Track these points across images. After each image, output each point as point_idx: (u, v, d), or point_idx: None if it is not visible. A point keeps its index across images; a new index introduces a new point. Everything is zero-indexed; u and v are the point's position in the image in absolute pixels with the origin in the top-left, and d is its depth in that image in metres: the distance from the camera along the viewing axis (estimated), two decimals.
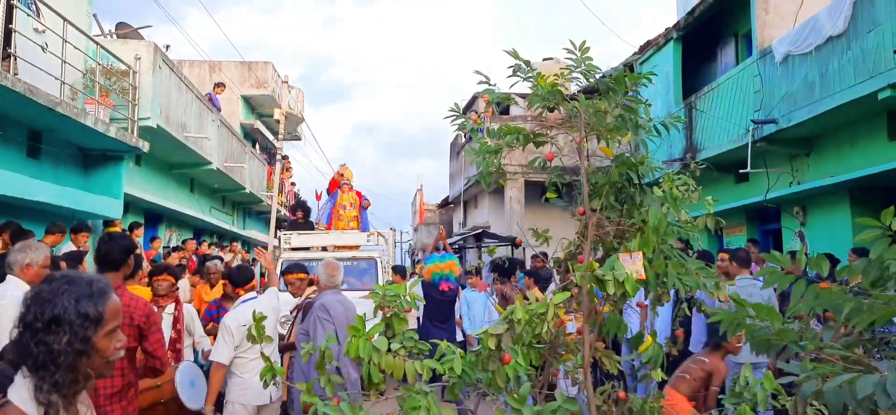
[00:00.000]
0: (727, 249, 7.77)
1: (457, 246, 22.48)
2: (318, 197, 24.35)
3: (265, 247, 10.07)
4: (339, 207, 11.34)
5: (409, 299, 4.16)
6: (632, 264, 3.86)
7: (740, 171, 10.38)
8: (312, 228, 11.76)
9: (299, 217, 11.91)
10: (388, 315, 4.08)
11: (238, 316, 4.67)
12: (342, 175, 11.99)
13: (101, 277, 1.74)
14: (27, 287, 3.92)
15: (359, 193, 11.69)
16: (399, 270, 10.23)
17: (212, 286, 7.91)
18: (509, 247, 16.85)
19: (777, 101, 9.27)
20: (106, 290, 1.72)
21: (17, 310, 3.65)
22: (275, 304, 4.96)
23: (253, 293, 5.23)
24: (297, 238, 10.02)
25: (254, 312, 3.99)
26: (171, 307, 5.36)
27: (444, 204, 31.45)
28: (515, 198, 17.89)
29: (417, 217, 35.53)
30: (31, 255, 4.02)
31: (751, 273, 6.48)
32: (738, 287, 5.70)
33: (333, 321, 4.91)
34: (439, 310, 7.30)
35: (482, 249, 19.98)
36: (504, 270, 8.78)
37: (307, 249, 9.84)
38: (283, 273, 6.20)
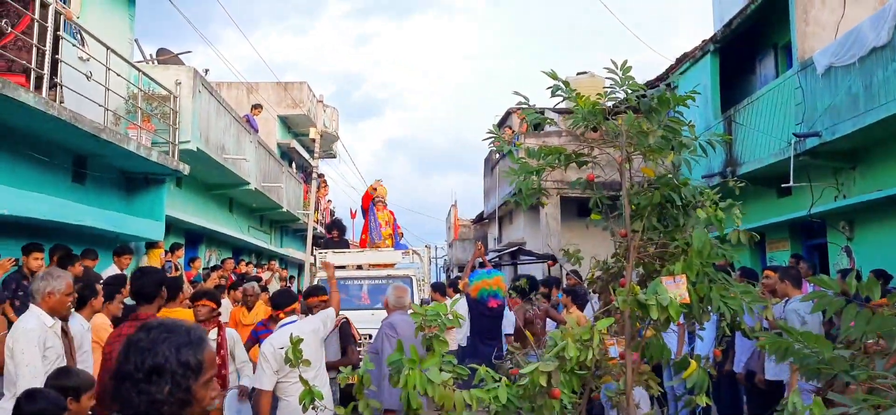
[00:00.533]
0: (774, 266, 7.62)
1: (492, 263, 22.42)
2: (354, 215, 24.52)
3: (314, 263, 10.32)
4: (377, 225, 11.37)
5: (452, 318, 4.17)
6: (675, 288, 3.80)
7: (783, 185, 10.16)
8: (347, 247, 11.82)
9: (335, 236, 11.90)
10: (429, 336, 4.08)
11: (274, 341, 4.75)
12: (375, 190, 11.94)
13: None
14: (48, 318, 3.93)
15: (392, 212, 11.68)
16: (438, 288, 10.20)
17: (249, 308, 7.91)
18: (545, 265, 16.74)
19: (820, 114, 9.07)
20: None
21: (35, 340, 3.73)
22: (316, 326, 4.99)
23: (293, 317, 5.31)
24: (331, 257, 9.98)
25: (291, 335, 4.05)
26: (213, 333, 5.22)
27: (479, 220, 31.38)
28: (551, 214, 17.76)
29: (452, 233, 35.51)
30: (52, 283, 3.99)
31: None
32: (792, 308, 5.55)
33: (401, 339, 5.07)
34: (487, 326, 7.27)
35: (518, 266, 19.89)
36: (525, 292, 8.68)
37: (342, 267, 9.79)
38: (304, 296, 6.11)
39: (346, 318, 6.10)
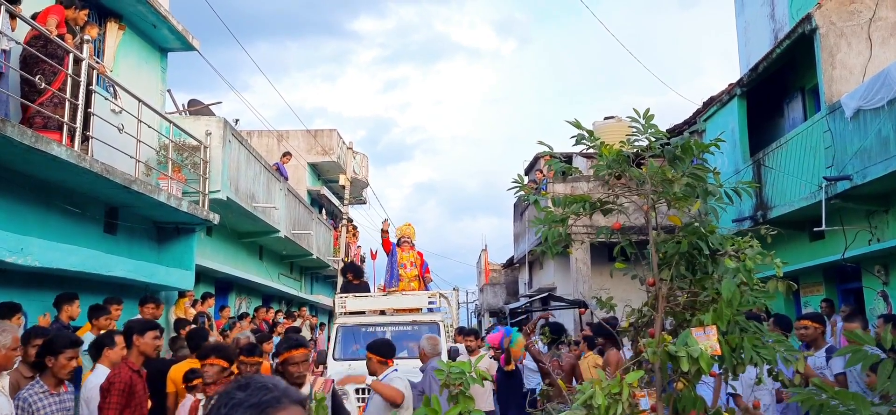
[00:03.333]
0: (810, 313, 7.46)
1: (523, 309, 22.27)
2: (375, 256, 24.41)
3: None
4: (398, 267, 10.46)
5: (476, 376, 4.14)
6: (706, 339, 3.74)
7: (815, 229, 10.00)
8: (368, 290, 11.27)
9: (350, 279, 11.26)
10: (454, 393, 4.05)
11: (399, 378, 5.42)
12: (402, 236, 10.98)
13: (290, 388, 1.59)
14: None
15: (420, 254, 10.90)
16: (465, 332, 9.89)
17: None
18: (576, 311, 16.57)
19: (850, 158, 8.95)
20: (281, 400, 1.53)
21: None
22: (410, 379, 5.79)
23: (395, 368, 5.65)
24: (352, 302, 9.44)
25: (312, 391, 4.22)
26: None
27: (509, 264, 31.26)
28: (581, 259, 17.66)
29: (483, 277, 35.38)
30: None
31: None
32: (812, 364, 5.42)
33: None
34: (519, 390, 7.15)
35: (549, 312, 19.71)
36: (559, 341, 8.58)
37: (363, 313, 9.37)
38: (275, 354, 5.36)
39: (333, 380, 5.33)
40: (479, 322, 37.03)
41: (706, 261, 4.25)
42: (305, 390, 3.98)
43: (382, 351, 5.54)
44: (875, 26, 10.24)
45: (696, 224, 4.32)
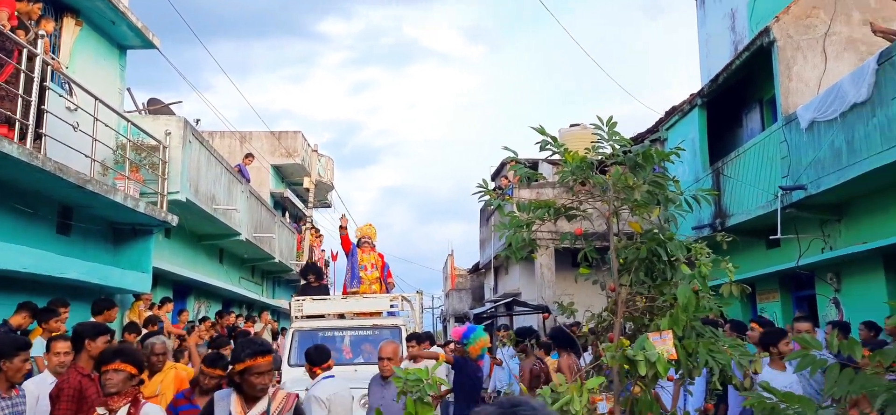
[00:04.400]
0: (760, 318, 7.62)
1: (487, 314, 22.32)
2: (335, 257, 24.13)
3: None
4: (358, 268, 9.96)
5: (432, 383, 4.12)
6: (662, 344, 3.78)
7: (771, 237, 10.23)
8: (327, 293, 10.77)
9: (311, 281, 10.67)
10: (413, 399, 4.03)
11: (325, 388, 5.09)
12: (362, 237, 10.40)
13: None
14: None
15: (381, 255, 10.41)
16: (418, 338, 9.75)
17: (152, 373, 5.44)
18: (539, 316, 16.66)
19: (805, 168, 9.18)
20: None
21: None
22: (351, 384, 5.49)
23: (331, 372, 5.40)
24: (310, 305, 8.99)
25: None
26: (123, 411, 3.71)
27: (475, 269, 31.32)
28: (546, 265, 17.78)
29: (449, 282, 35.40)
30: None
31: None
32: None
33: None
34: (477, 389, 6.82)
35: (513, 317, 19.82)
36: (527, 346, 8.54)
37: (321, 316, 8.96)
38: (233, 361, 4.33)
39: (297, 396, 5.04)
40: (445, 327, 37.01)
41: (665, 267, 4.32)
42: (262, 405, 3.36)
43: (313, 358, 5.37)
44: (830, 40, 10.53)
45: (656, 231, 4.38)
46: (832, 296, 9.91)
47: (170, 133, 10.41)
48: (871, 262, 8.94)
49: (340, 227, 10.58)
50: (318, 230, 24.58)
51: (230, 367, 3.40)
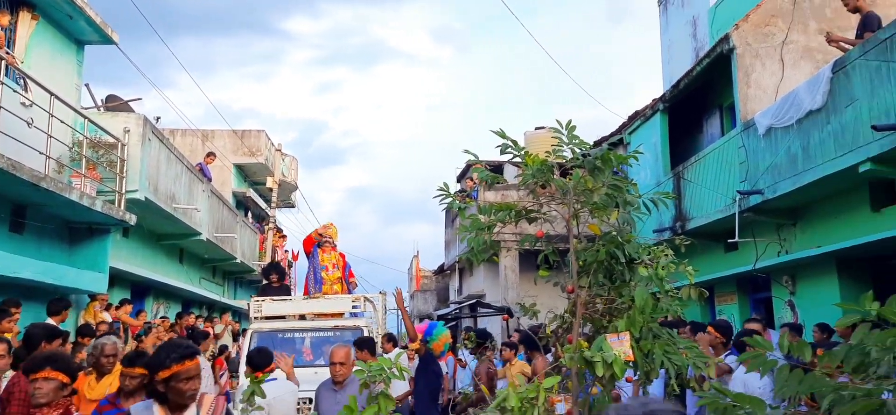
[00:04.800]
0: (718, 321, 7.74)
1: (451, 315, 22.34)
2: (296, 257, 23.90)
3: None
4: (320, 269, 9.75)
5: (397, 372, 4.11)
6: (619, 345, 3.83)
7: (729, 240, 10.42)
8: (288, 294, 10.57)
9: (273, 281, 10.40)
10: (375, 394, 4.02)
11: (270, 390, 4.85)
12: (321, 235, 10.18)
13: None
14: None
15: (343, 255, 10.19)
16: (391, 339, 9.82)
17: (101, 375, 5.30)
18: (505, 317, 16.74)
19: (762, 173, 9.38)
20: None
21: None
22: (295, 388, 5.37)
23: (273, 375, 5.29)
24: (269, 306, 8.78)
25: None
26: None
27: (440, 271, 31.34)
28: (510, 267, 17.89)
29: (414, 284, 35.37)
30: None
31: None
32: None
33: None
34: (437, 386, 6.90)
35: (477, 318, 19.86)
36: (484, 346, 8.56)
37: (282, 318, 8.78)
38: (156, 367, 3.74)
39: (226, 399, 4.75)
40: (399, 306, 36.95)
41: (623, 269, 4.38)
42: (190, 413, 3.02)
43: (254, 362, 5.29)
44: (787, 49, 10.78)
45: (614, 233, 4.44)
46: (787, 298, 10.14)
47: (128, 130, 10.22)
48: (825, 265, 9.17)
49: (319, 233, 10.13)
50: (281, 231, 24.36)
51: (153, 375, 2.97)
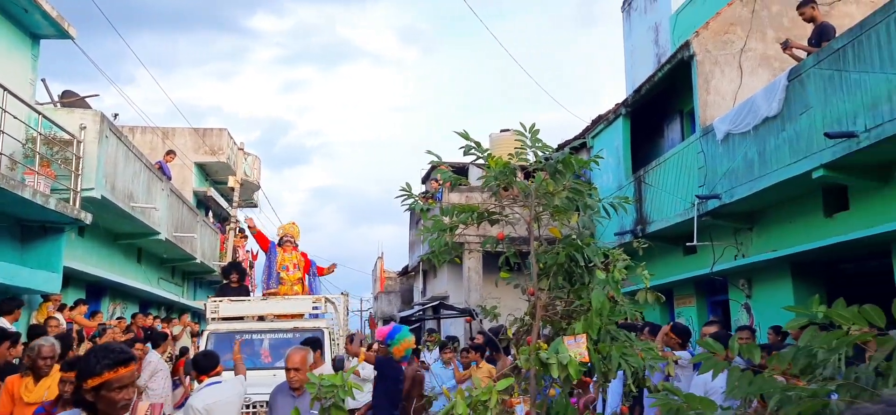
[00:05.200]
0: (677, 323, 7.86)
1: (415, 317, 22.30)
2: (255, 257, 23.59)
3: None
4: (279, 269, 9.53)
5: (348, 388, 4.07)
6: (576, 347, 3.86)
7: (687, 244, 10.60)
8: (248, 294, 10.32)
9: (234, 281, 10.07)
10: (326, 406, 3.96)
11: (205, 396, 4.74)
12: (284, 235, 9.92)
13: None
14: None
15: (304, 255, 9.97)
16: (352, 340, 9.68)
17: (38, 378, 5.13)
18: (467, 319, 16.76)
19: (719, 178, 9.56)
20: None
21: None
22: (241, 390, 5.10)
23: (218, 378, 5.16)
24: (227, 306, 8.56)
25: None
26: None
27: (405, 273, 31.27)
28: (474, 268, 17.92)
29: (378, 285, 35.23)
30: None
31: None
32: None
33: None
34: (398, 391, 6.61)
35: (440, 320, 19.86)
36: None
37: (241, 318, 8.55)
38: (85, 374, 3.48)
39: (162, 405, 4.53)
40: (372, 331, 36.81)
41: (582, 272, 4.41)
42: None
43: (200, 365, 5.19)
44: (745, 56, 11.01)
45: (574, 236, 4.47)
46: (744, 301, 10.34)
47: (85, 127, 9.98)
48: (780, 269, 9.38)
49: (249, 227, 10.43)
50: (244, 231, 24.03)
51: (81, 382, 2.67)
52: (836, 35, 7.84)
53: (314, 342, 6.63)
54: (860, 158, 7.21)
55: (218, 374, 5.11)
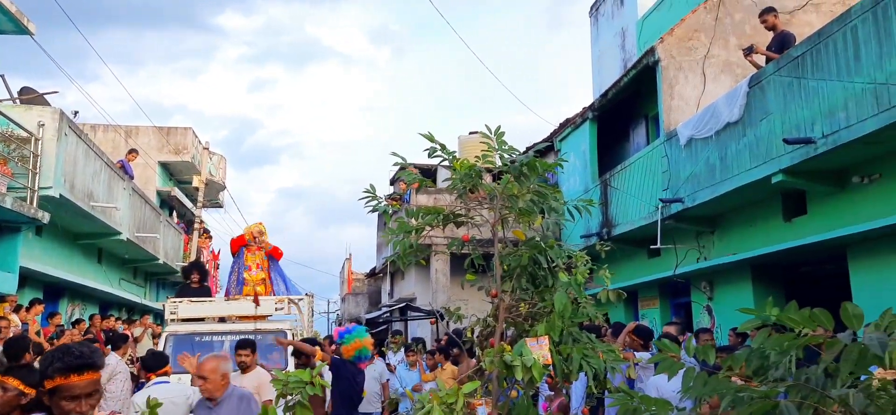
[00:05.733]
0: (640, 324, 7.95)
1: (381, 319, 22.20)
2: (216, 257, 23.23)
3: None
4: (242, 270, 9.28)
5: (314, 385, 4.05)
6: (538, 349, 3.87)
7: (651, 246, 10.74)
8: (209, 295, 9.88)
9: (194, 281, 9.76)
10: (291, 404, 3.94)
11: (150, 394, 4.59)
12: (254, 237, 9.55)
13: None
14: None
15: (276, 248, 9.64)
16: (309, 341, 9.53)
17: None
18: (432, 321, 16.74)
19: (683, 182, 9.71)
20: None
21: None
22: (188, 393, 5.02)
23: (166, 378, 5.12)
24: (186, 307, 8.38)
25: (148, 397, 3.81)
26: None
27: (372, 274, 31.13)
28: (441, 270, 17.91)
29: (346, 287, 35.03)
30: None
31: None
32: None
33: None
34: (357, 392, 6.50)
35: (408, 322, 19.82)
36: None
37: (201, 320, 8.33)
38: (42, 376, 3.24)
39: (119, 413, 4.57)
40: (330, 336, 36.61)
41: (546, 274, 4.44)
42: None
43: (148, 364, 5.27)
44: (708, 62, 11.20)
45: (538, 239, 4.50)
46: (706, 303, 10.51)
47: (43, 124, 9.75)
48: (741, 271, 9.56)
49: (253, 235, 9.61)
50: (209, 232, 23.70)
51: (40, 385, 2.45)
52: (796, 43, 8.02)
53: (249, 342, 6.35)
54: (817, 164, 7.38)
55: (166, 373, 5.15)
